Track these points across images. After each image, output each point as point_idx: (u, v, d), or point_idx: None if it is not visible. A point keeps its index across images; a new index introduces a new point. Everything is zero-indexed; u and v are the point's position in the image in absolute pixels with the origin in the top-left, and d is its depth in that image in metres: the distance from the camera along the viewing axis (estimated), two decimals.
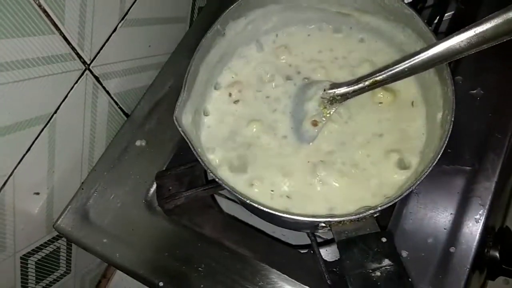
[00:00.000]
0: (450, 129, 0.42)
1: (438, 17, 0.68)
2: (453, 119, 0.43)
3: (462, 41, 0.39)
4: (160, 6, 0.69)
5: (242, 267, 0.56)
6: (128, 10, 0.62)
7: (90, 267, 0.76)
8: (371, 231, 0.40)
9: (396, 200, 0.41)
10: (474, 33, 0.39)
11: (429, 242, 0.54)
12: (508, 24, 0.40)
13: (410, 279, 0.38)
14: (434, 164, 0.41)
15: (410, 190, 0.40)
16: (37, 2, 0.48)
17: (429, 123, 0.50)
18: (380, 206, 0.41)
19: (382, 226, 0.52)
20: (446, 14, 0.69)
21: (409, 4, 0.69)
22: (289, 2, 0.57)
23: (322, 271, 0.52)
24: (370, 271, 0.38)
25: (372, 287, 0.37)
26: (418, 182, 0.40)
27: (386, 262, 0.38)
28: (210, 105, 0.57)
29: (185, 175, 0.58)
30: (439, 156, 0.41)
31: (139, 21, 0.65)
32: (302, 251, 0.56)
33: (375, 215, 0.42)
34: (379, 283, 0.37)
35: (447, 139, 0.42)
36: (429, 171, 0.40)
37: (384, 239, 0.39)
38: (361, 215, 0.40)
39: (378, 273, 0.38)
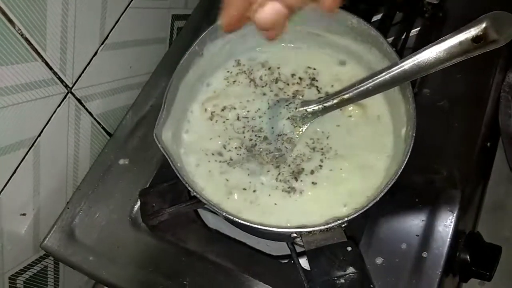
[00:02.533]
0: (412, 144, 0.45)
1: (405, 33, 0.72)
2: (414, 135, 0.46)
3: (414, 64, 0.42)
4: (139, 28, 0.71)
5: (226, 279, 0.58)
6: (108, 34, 0.64)
7: (78, 285, 0.77)
8: (338, 240, 0.43)
9: (361, 211, 0.43)
10: (428, 56, 0.43)
11: (403, 248, 0.57)
12: (461, 46, 0.43)
13: (372, 285, 0.41)
14: (396, 177, 0.44)
15: (374, 202, 0.43)
16: (19, 31, 0.50)
17: (395, 137, 0.53)
18: (347, 217, 0.43)
19: (354, 236, 0.55)
20: (413, 30, 0.73)
21: (377, 22, 0.73)
22: None
23: (302, 280, 0.54)
24: (335, 278, 0.40)
25: None
26: (382, 195, 0.43)
27: (350, 269, 0.41)
28: (190, 122, 0.60)
29: (168, 191, 0.60)
30: (401, 170, 0.44)
31: (119, 44, 0.67)
32: (283, 261, 0.58)
33: (343, 225, 0.45)
34: None
35: (409, 154, 0.45)
36: (391, 184, 0.43)
37: (349, 248, 0.42)
38: (329, 225, 0.43)
39: (342, 280, 0.40)
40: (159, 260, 0.60)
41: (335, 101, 0.50)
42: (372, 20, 0.75)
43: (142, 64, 0.74)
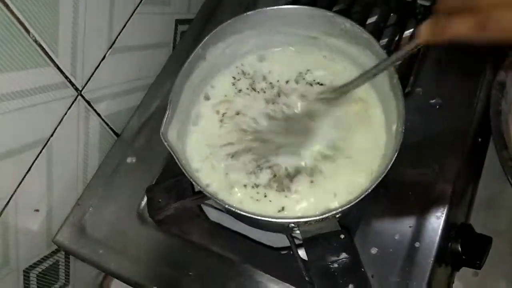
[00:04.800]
0: (401, 140, 0.48)
1: (398, 35, 0.75)
2: (403, 131, 0.48)
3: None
4: (144, 33, 0.74)
5: (228, 269, 0.61)
6: (115, 39, 0.67)
7: (88, 279, 0.80)
8: (332, 229, 0.46)
9: (353, 203, 0.46)
10: None
11: (396, 238, 0.59)
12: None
13: (363, 269, 0.44)
14: (386, 172, 0.46)
15: (365, 194, 0.46)
16: (33, 37, 0.53)
17: (387, 134, 0.56)
18: (340, 208, 0.46)
19: (350, 228, 0.58)
20: (406, 32, 0.76)
21: (372, 24, 0.76)
22: (263, 28, 0.62)
23: (301, 269, 0.57)
24: (329, 263, 0.44)
25: (330, 276, 0.44)
26: (372, 187, 0.46)
27: (343, 255, 0.44)
28: (195, 121, 0.62)
29: (173, 187, 0.63)
30: (391, 164, 0.47)
31: (125, 48, 0.70)
32: (282, 252, 0.61)
33: (337, 216, 0.48)
34: (336, 273, 0.44)
35: (398, 149, 0.47)
36: (381, 179, 0.46)
37: (342, 236, 0.45)
38: (324, 215, 0.46)
39: (335, 265, 0.44)
40: (166, 253, 0.63)
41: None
42: (367, 23, 0.78)
43: (148, 67, 0.77)
